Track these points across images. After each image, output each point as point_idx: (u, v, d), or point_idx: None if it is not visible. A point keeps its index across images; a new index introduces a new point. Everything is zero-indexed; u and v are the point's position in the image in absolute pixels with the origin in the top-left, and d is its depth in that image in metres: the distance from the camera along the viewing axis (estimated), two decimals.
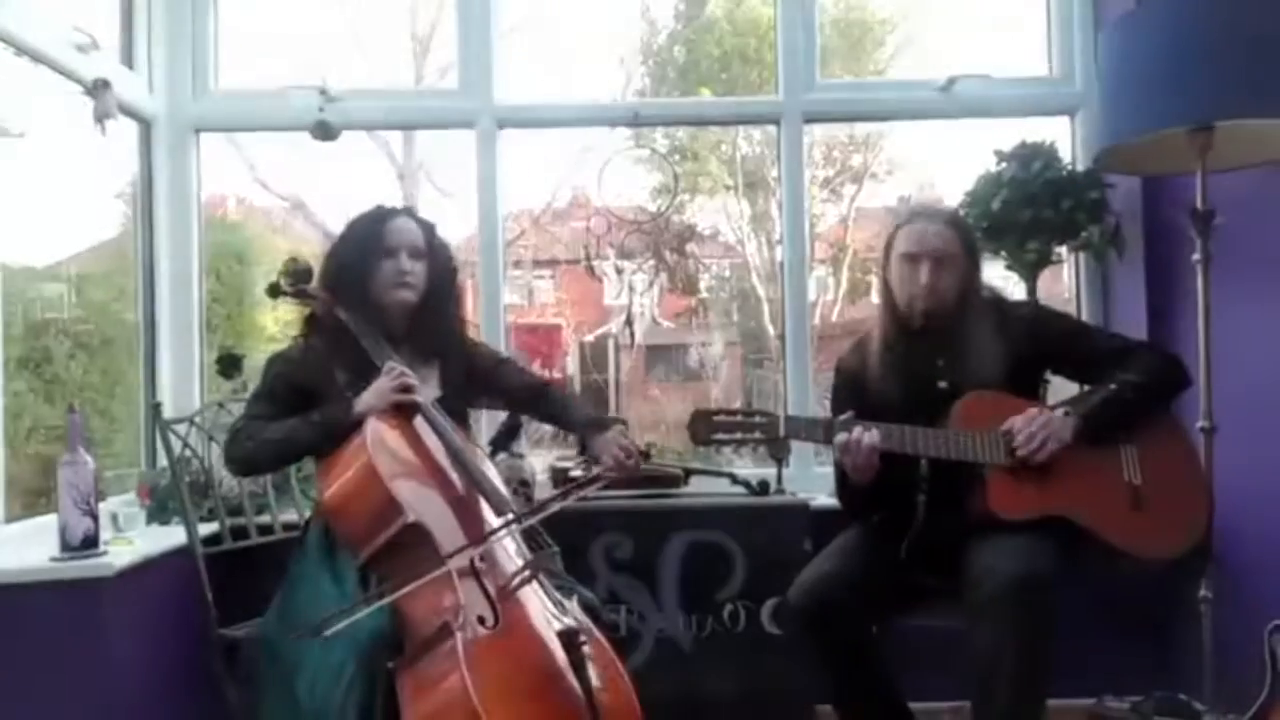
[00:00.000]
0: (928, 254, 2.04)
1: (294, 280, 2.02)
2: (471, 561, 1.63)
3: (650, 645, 2.45)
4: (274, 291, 2.04)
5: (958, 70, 2.92)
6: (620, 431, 2.00)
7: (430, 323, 2.02)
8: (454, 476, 1.84)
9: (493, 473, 1.94)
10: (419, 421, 1.88)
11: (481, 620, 1.58)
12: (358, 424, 1.80)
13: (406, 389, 1.85)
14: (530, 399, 2.17)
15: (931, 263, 2.03)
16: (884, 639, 2.05)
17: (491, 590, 1.62)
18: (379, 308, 1.97)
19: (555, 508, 1.76)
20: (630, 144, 3.01)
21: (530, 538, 1.81)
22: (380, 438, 1.77)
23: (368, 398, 1.85)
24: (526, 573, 1.69)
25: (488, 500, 1.81)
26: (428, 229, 2.04)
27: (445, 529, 1.70)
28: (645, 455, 2.04)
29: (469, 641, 1.53)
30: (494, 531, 1.74)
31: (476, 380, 2.14)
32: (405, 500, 1.68)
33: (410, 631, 1.61)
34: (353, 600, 1.69)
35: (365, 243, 1.98)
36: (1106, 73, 2.33)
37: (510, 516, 1.77)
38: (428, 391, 1.94)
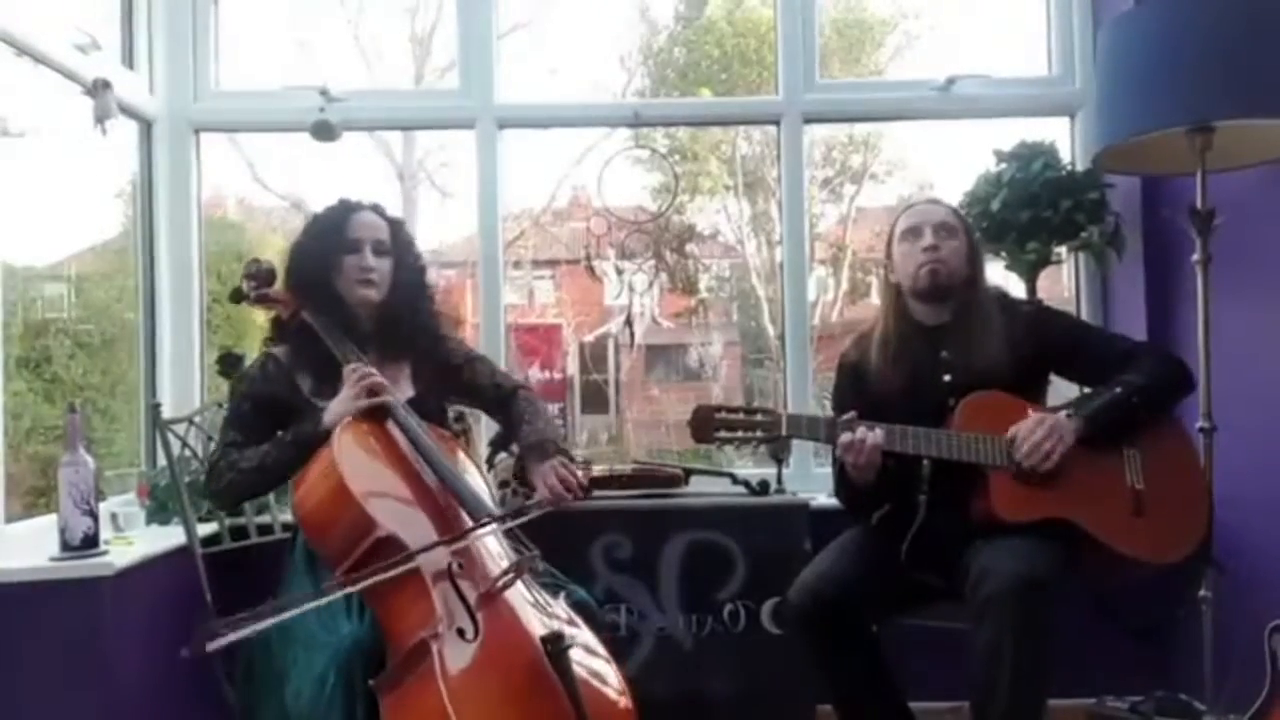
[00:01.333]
0: (929, 223, 2.08)
1: (256, 284, 1.96)
2: (449, 569, 1.58)
3: (650, 645, 2.45)
4: (236, 297, 2.00)
5: (957, 70, 2.92)
6: (560, 463, 1.91)
7: (398, 321, 1.96)
8: (427, 481, 1.76)
9: (472, 475, 1.88)
10: (389, 425, 1.81)
11: (461, 633, 1.53)
12: (329, 435, 1.75)
13: (373, 391, 1.79)
14: (495, 401, 2.10)
15: (934, 230, 2.06)
16: (884, 639, 2.05)
17: (471, 600, 1.57)
18: (343, 305, 1.92)
19: (488, 530, 1.70)
20: (630, 144, 3.01)
21: (511, 540, 1.75)
22: (347, 450, 1.70)
23: (335, 408, 1.80)
24: (509, 575, 1.64)
25: (461, 503, 1.73)
26: (394, 225, 2.00)
27: (419, 539, 1.63)
28: (586, 490, 1.93)
29: (448, 657, 1.48)
30: (464, 534, 1.67)
31: (447, 378, 2.07)
32: (376, 514, 1.62)
33: (392, 648, 1.56)
34: (334, 610, 1.65)
35: (327, 237, 1.93)
36: (1105, 72, 2.34)
37: (488, 516, 1.71)
38: (400, 392, 1.90)
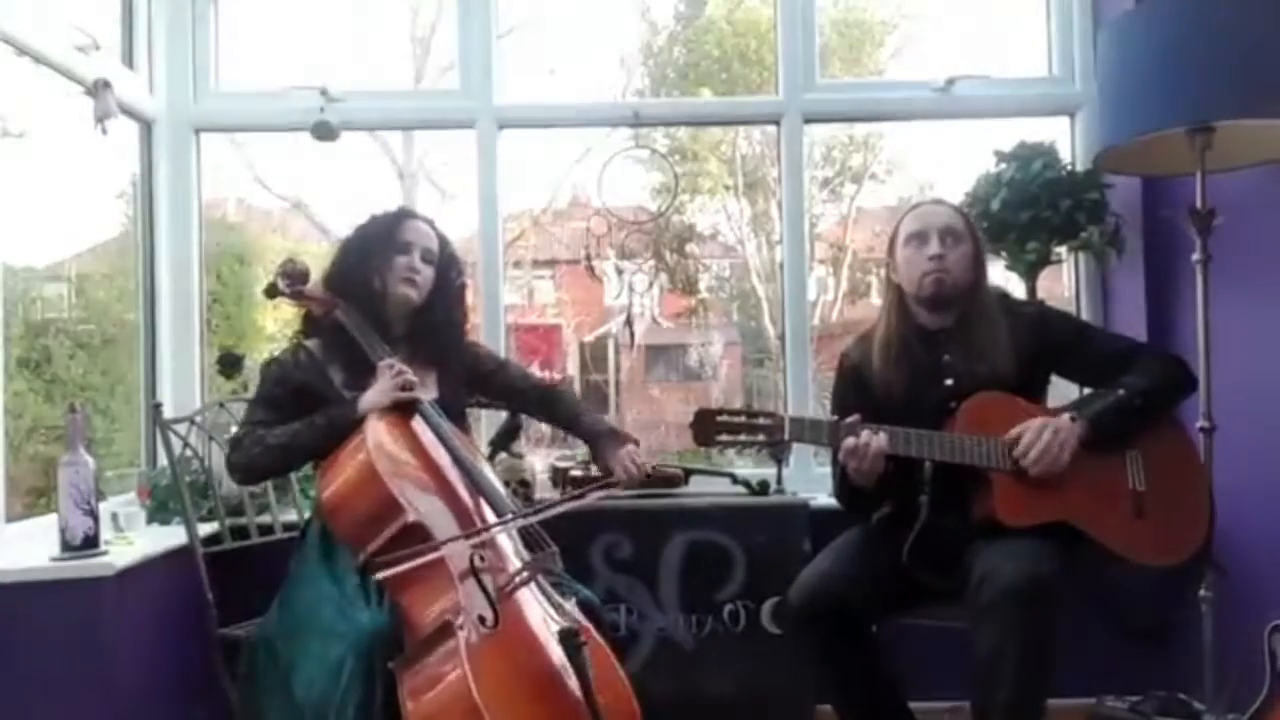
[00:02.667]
0: (935, 228, 2.06)
1: (291, 281, 2.03)
2: (471, 561, 1.63)
3: (650, 645, 2.45)
4: (272, 292, 2.06)
5: (957, 70, 2.92)
6: (634, 450, 2.10)
7: (431, 328, 2.06)
8: (453, 476, 1.84)
9: (491, 473, 1.95)
10: (417, 421, 1.89)
11: (482, 620, 1.58)
12: (361, 423, 1.82)
13: (407, 386, 1.88)
14: (538, 401, 2.25)
15: (939, 235, 2.05)
16: (884, 638, 2.05)
17: (491, 590, 1.62)
18: (382, 303, 2.00)
19: (559, 509, 1.76)
20: (630, 144, 3.01)
21: (529, 539, 1.80)
22: (380, 437, 1.78)
23: (370, 396, 1.87)
24: (525, 573, 1.70)
25: (487, 500, 1.82)
26: (443, 239, 2.11)
27: (445, 528, 1.71)
28: (649, 477, 2.15)
29: (470, 641, 1.53)
30: (494, 525, 1.74)
31: (478, 383, 2.18)
32: (405, 499, 1.69)
33: (411, 631, 1.61)
34: (352, 599, 1.70)
35: (382, 236, 2.03)
36: (1105, 73, 2.34)
37: (512, 514, 1.78)
38: (426, 393, 1.96)
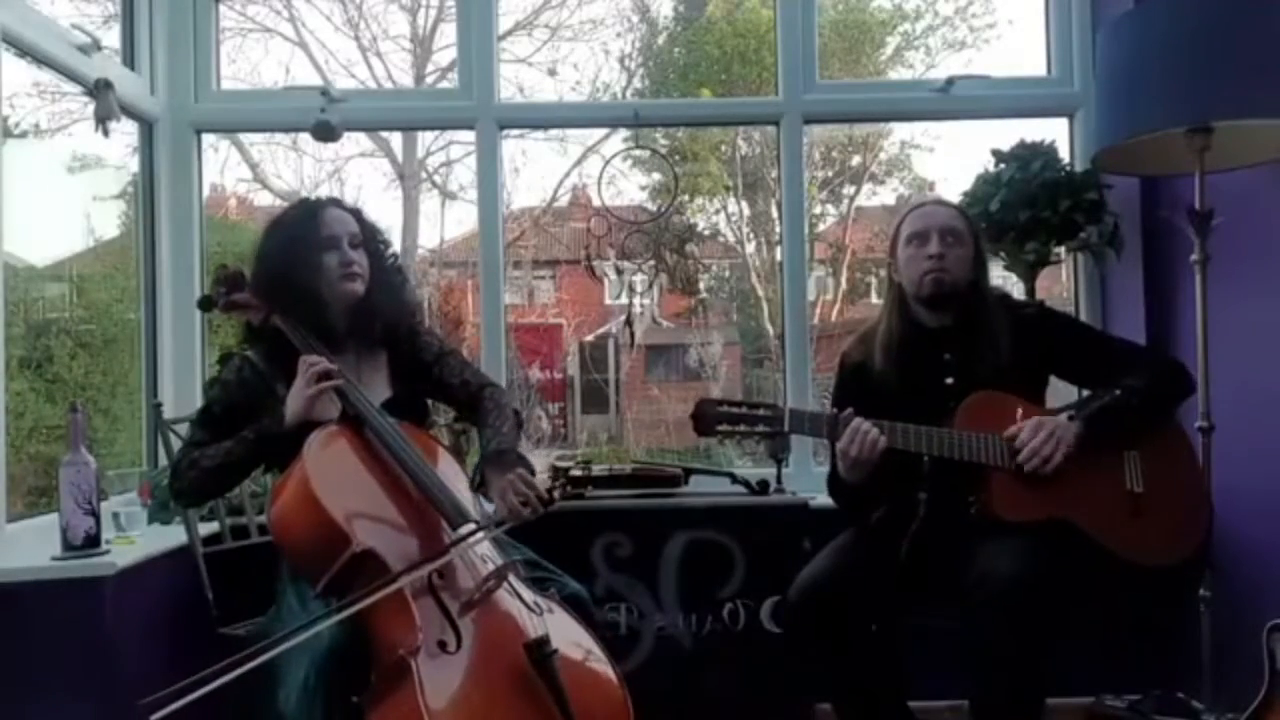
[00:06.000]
0: (936, 228, 2.06)
1: (226, 290, 1.90)
2: (429, 582, 1.54)
3: (650, 644, 2.45)
4: (206, 304, 1.95)
5: (957, 70, 2.93)
6: (520, 476, 1.78)
7: (377, 310, 1.91)
8: (408, 488, 1.72)
9: (453, 478, 1.82)
10: (367, 432, 1.76)
11: (443, 645, 1.50)
12: (294, 432, 1.72)
13: (323, 376, 1.74)
14: (464, 400, 2.03)
15: (939, 235, 2.05)
16: (884, 638, 2.05)
17: (453, 610, 1.54)
18: (322, 306, 1.86)
19: (470, 542, 1.63)
20: (630, 144, 3.02)
21: (496, 543, 1.73)
22: (320, 460, 1.65)
23: (290, 403, 1.75)
24: (490, 583, 1.61)
25: (442, 513, 1.69)
26: (358, 214, 1.96)
27: (400, 553, 1.59)
28: (547, 503, 1.76)
29: (427, 674, 1.45)
30: (446, 550, 1.61)
31: (420, 374, 2.02)
32: (350, 528, 1.57)
33: (376, 662, 1.53)
34: (313, 612, 1.60)
35: (302, 239, 1.87)
36: (1104, 73, 2.34)
37: (461, 536, 1.65)
38: (378, 393, 1.87)
